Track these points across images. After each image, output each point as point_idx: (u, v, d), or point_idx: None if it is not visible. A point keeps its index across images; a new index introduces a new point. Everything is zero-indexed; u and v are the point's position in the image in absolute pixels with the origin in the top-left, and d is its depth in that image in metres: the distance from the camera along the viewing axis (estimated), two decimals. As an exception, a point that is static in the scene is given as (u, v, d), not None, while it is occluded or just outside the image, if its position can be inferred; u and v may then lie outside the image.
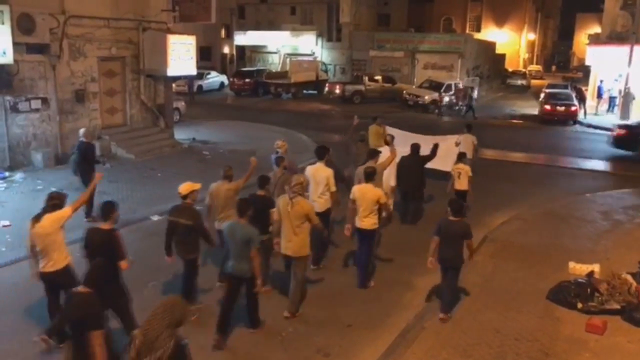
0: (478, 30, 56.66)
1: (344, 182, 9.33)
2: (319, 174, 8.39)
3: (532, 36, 64.61)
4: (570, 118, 25.97)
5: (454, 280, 7.24)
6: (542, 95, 30.24)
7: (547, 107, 26.41)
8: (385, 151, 9.66)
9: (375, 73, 36.04)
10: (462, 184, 10.43)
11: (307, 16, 44.72)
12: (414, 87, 33.51)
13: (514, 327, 6.91)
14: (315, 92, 35.34)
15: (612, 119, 26.23)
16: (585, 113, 27.38)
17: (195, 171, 14.11)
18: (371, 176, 7.97)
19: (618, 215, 11.82)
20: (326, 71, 39.80)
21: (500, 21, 58.00)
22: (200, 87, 34.40)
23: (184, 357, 4.01)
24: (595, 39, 30.20)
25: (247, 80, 35.00)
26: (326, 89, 34.06)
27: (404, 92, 31.19)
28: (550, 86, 33.58)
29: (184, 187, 6.99)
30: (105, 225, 6.07)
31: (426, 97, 29.42)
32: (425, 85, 31.94)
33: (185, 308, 4.06)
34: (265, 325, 6.87)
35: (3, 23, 12.00)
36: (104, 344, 4.44)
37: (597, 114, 27.73)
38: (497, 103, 34.54)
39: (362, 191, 7.88)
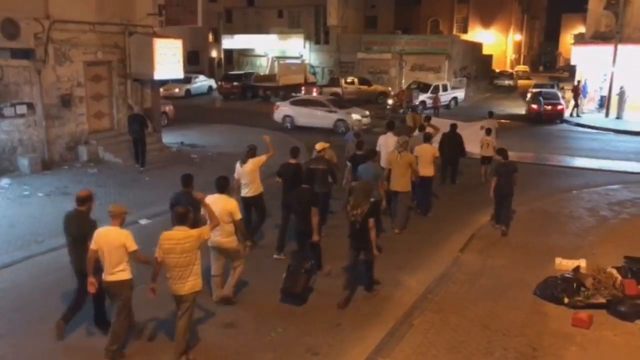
0: (465, 31, 57.11)
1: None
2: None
3: (518, 37, 65.21)
4: (557, 117, 26.22)
5: (510, 204, 10.38)
6: (529, 95, 30.50)
7: (534, 106, 26.64)
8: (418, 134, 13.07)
9: (351, 75, 36.27)
10: (488, 152, 13.79)
11: (294, 19, 44.77)
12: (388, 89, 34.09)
13: (502, 323, 6.97)
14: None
15: (600, 118, 26.58)
16: (578, 111, 27.60)
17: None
18: (428, 138, 11.86)
19: (604, 211, 11.95)
20: (314, 74, 39.88)
21: (486, 22, 58.48)
22: (188, 91, 34.32)
23: (377, 211, 7.65)
24: (579, 39, 30.51)
25: (235, 83, 34.99)
26: (302, 92, 33.38)
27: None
28: (537, 86, 33.88)
29: (320, 145, 10.09)
30: (293, 160, 9.21)
31: (389, 101, 29.91)
32: (413, 87, 32.09)
33: (372, 185, 7.88)
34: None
35: (-13, 28, 11.92)
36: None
37: (582, 113, 27.98)
38: (485, 103, 34.72)
39: (423, 149, 11.30)
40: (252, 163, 9.07)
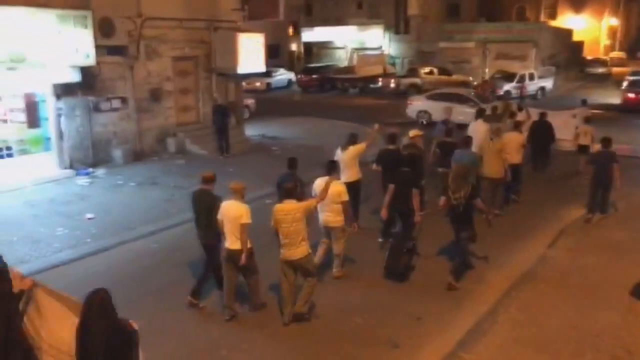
0: (553, 17, 54.13)
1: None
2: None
3: (614, 21, 61.01)
4: (656, 107, 24.34)
5: (608, 193, 10.30)
6: (624, 83, 28.52)
7: (631, 95, 24.88)
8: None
9: (430, 65, 35.11)
10: (586, 140, 13.73)
11: (374, 10, 44.37)
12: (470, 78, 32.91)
13: (594, 324, 6.60)
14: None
15: None
16: None
17: (265, 166, 14.39)
18: (518, 126, 11.99)
19: None
20: (393, 64, 39.36)
21: (577, 7, 55.13)
22: (269, 84, 34.99)
23: (477, 192, 7.92)
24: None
25: (314, 76, 35.26)
26: (379, 83, 32.80)
27: None
28: (634, 73, 31.60)
29: (413, 132, 10.29)
30: (392, 146, 9.64)
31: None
32: (497, 76, 30.93)
33: (469, 169, 8.28)
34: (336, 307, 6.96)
35: (86, 27, 12.70)
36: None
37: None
38: (575, 93, 32.84)
39: (511, 137, 11.14)
40: (353, 150, 9.47)
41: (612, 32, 62.09)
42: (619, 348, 6.09)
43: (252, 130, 19.31)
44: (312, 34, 45.11)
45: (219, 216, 6.70)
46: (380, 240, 9.17)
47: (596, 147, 11.18)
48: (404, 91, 30.98)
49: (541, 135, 13.69)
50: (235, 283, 6.91)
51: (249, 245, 6.63)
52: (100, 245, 9.31)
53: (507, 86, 28.67)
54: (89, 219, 10.53)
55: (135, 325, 4.08)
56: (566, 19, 53.55)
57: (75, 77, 13.05)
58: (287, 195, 6.68)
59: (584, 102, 16.48)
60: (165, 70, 15.96)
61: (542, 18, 53.18)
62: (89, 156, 14.22)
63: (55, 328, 4.41)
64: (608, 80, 40.88)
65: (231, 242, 6.61)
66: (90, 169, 13.80)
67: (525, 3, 55.43)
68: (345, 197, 7.61)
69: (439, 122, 13.45)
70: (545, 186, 13.00)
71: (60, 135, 13.59)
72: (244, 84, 21.96)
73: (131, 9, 14.58)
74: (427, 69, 33.37)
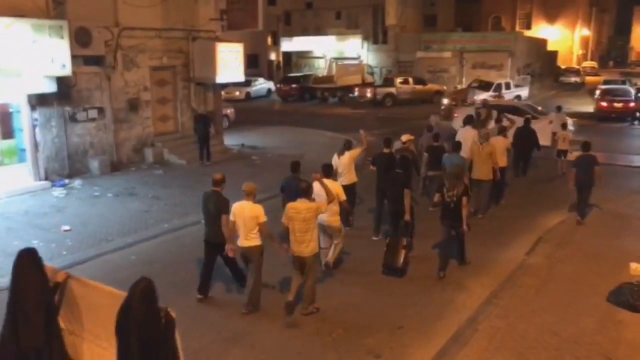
0: (528, 27, 55.19)
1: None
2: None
3: (586, 32, 62.37)
4: (628, 115, 24.89)
5: (589, 196, 10.71)
6: (597, 92, 29.13)
7: (603, 103, 25.43)
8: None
9: (408, 75, 35.45)
10: (564, 145, 14.47)
11: (352, 20, 44.73)
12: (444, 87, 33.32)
13: (573, 330, 6.66)
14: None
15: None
16: None
17: (245, 176, 14.31)
18: (503, 131, 12.59)
19: (683, 214, 11.25)
20: (372, 74, 39.69)
21: (551, 18, 56.29)
22: (248, 94, 34.93)
23: (468, 192, 8.41)
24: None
25: (293, 85, 35.32)
26: (355, 93, 32.84)
27: None
28: (606, 82, 32.32)
29: (406, 137, 11.21)
30: (386, 150, 10.14)
31: (444, 101, 28.54)
32: (473, 85, 31.35)
33: (463, 169, 9.21)
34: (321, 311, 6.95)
35: (62, 37, 12.52)
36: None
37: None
38: (550, 101, 33.42)
39: (497, 141, 11.65)
40: (348, 155, 10.09)
41: (585, 42, 63.47)
42: (597, 354, 6.16)
43: (231, 140, 19.23)
44: (291, 44, 45.27)
45: (231, 217, 7.05)
46: (374, 238, 9.81)
47: (575, 154, 11.77)
48: (381, 100, 31.21)
49: (525, 141, 14.08)
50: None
51: (260, 243, 7.05)
52: (76, 258, 9.14)
53: (484, 95, 29.04)
54: (65, 231, 10.33)
55: (173, 314, 4.26)
56: (541, 29, 54.61)
57: (51, 87, 12.85)
58: (302, 194, 7.07)
59: (558, 109, 17.11)
60: (143, 80, 15.82)
61: (518, 28, 54.18)
62: (65, 167, 14.00)
63: (92, 316, 4.83)
64: (581, 89, 41.74)
65: (245, 240, 7.02)
66: (67, 180, 13.58)
67: (500, 13, 56.43)
68: (343, 197, 8.07)
69: (424, 130, 13.81)
70: (524, 192, 13.21)
71: (36, 146, 13.36)
72: (223, 93, 21.88)
73: (108, 18, 14.45)
74: (401, 79, 33.65)
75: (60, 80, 13.05)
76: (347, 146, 10.23)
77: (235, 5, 17.98)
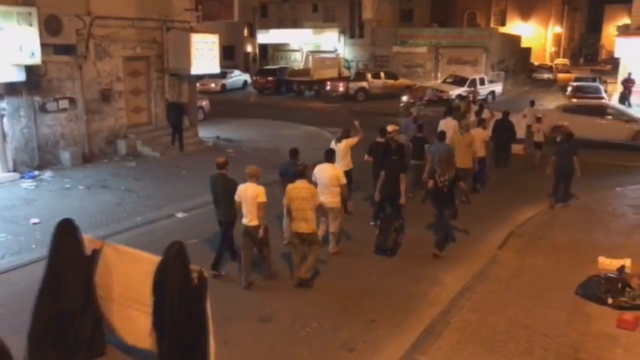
0: (503, 24, 55.92)
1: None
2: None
3: (558, 29, 63.45)
4: (598, 111, 25.33)
5: (569, 184, 11.32)
6: (569, 88, 29.67)
7: (575, 100, 25.87)
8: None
9: (381, 69, 35.50)
10: (539, 137, 15.21)
11: (329, 13, 44.67)
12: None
13: (543, 323, 6.79)
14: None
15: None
16: (630, 106, 26.54)
17: (219, 168, 14.22)
18: (482, 123, 13.17)
19: (650, 209, 11.54)
20: (349, 68, 39.71)
21: (525, 15, 57.13)
22: (224, 85, 34.61)
23: (460, 176, 9.24)
24: (624, 30, 29.44)
25: (269, 78, 35.08)
26: (327, 87, 32.46)
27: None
28: (577, 79, 32.92)
29: (392, 127, 11.72)
30: (380, 139, 10.76)
31: (403, 98, 28.49)
32: (448, 81, 31.61)
33: (452, 155, 10.13)
34: (294, 315, 6.92)
35: (31, 25, 12.21)
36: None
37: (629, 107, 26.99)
38: (523, 97, 33.92)
39: (476, 132, 12.38)
40: (346, 142, 10.66)
41: (557, 40, 64.59)
42: (566, 346, 6.28)
43: (206, 132, 19.03)
44: (268, 36, 44.99)
45: (237, 197, 7.56)
46: (372, 224, 10.16)
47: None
48: (353, 95, 31.15)
49: (503, 133, 14.56)
50: (252, 255, 7.77)
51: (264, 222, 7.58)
52: (46, 252, 8.92)
53: (459, 90, 29.32)
54: (34, 224, 10.12)
55: (206, 274, 4.63)
56: (515, 26, 55.39)
57: (19, 76, 12.53)
58: (300, 176, 7.75)
59: (532, 103, 17.84)
60: (116, 70, 15.53)
61: (492, 24, 54.84)
62: (35, 158, 13.68)
63: (126, 280, 5.29)
64: (554, 85, 42.46)
65: (249, 219, 7.50)
66: (36, 172, 13.27)
67: (476, 9, 57.00)
68: (344, 180, 8.64)
69: (409, 121, 14.37)
70: (498, 185, 13.34)
71: (4, 137, 13.03)
72: (198, 85, 21.63)
73: (80, 6, 14.12)
74: (373, 73, 33.64)
75: (29, 69, 12.74)
76: (345, 134, 10.83)
77: (211, -4, 17.80)
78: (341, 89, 31.59)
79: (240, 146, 17.73)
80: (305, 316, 7.04)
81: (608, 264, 8.25)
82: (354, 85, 31.74)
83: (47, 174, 13.30)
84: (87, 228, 9.94)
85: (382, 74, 33.50)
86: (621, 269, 7.77)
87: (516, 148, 15.76)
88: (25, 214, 10.57)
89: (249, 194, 7.42)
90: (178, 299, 4.54)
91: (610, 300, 7.14)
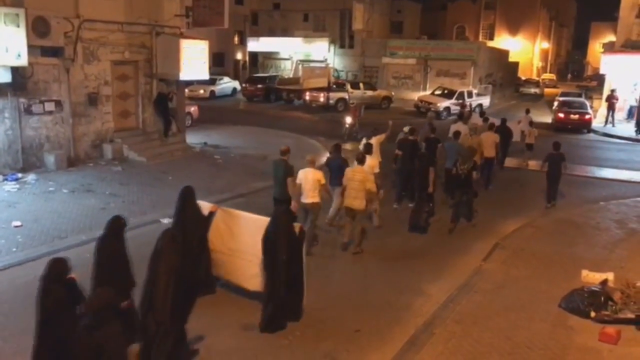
0: (491, 38, 56.60)
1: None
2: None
3: (545, 45, 64.39)
4: (584, 126, 25.71)
5: (557, 186, 12.89)
6: (555, 103, 30.01)
7: (561, 115, 26.20)
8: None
9: (357, 80, 35.89)
10: (531, 139, 17.37)
11: (319, 23, 44.83)
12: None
13: (526, 335, 6.80)
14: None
15: (629, 128, 25.93)
16: (613, 121, 26.91)
17: (206, 175, 14.13)
18: (492, 127, 14.78)
19: (632, 223, 11.65)
20: (338, 78, 39.83)
21: (513, 30, 57.88)
22: (212, 92, 34.53)
23: (475, 167, 11.40)
24: (609, 48, 29.91)
25: (259, 86, 35.04)
26: (307, 97, 31.97)
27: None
28: (563, 94, 33.34)
29: (407, 128, 12.88)
30: (411, 137, 12.48)
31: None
32: (437, 93, 31.83)
33: (475, 150, 11.81)
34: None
35: (18, 26, 12.10)
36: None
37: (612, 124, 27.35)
38: (510, 111, 34.23)
39: (487, 135, 13.99)
40: (375, 139, 11.94)
41: (544, 55, 65.52)
42: (548, 359, 6.30)
43: (194, 138, 18.94)
44: (258, 44, 45.01)
45: (298, 180, 8.98)
46: (395, 206, 12.00)
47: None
48: (333, 105, 31.03)
49: (502, 137, 15.42)
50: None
51: (319, 200, 9.10)
52: (27, 255, 8.82)
53: (447, 102, 29.54)
54: (16, 227, 9.96)
55: (304, 228, 6.53)
56: (503, 40, 56.05)
57: (5, 77, 12.41)
58: (358, 162, 9.42)
59: (527, 112, 19.45)
60: (104, 74, 15.42)
61: (481, 38, 55.50)
62: (19, 161, 13.52)
63: (237, 236, 7.20)
64: (540, 100, 42.93)
65: (308, 197, 9.00)
66: (19, 175, 13.10)
67: (465, 23, 57.68)
68: (324, 181, 9.35)
69: (425, 124, 15.17)
70: (484, 197, 13.23)
71: (-13, 138, 12.87)
72: (186, 90, 21.55)
73: (68, 9, 14.03)
74: (352, 84, 33.99)
75: (15, 71, 12.63)
76: (374, 132, 12.43)
77: (201, 2, 17.75)
78: (322, 99, 31.49)
79: (228, 153, 17.66)
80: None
81: (591, 277, 8.30)
82: (334, 96, 31.69)
83: (31, 177, 13.13)
84: (70, 232, 9.85)
85: (361, 85, 33.91)
86: (604, 282, 7.83)
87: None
88: (7, 217, 10.40)
89: (309, 177, 8.94)
90: (288, 249, 6.31)
91: (593, 314, 7.18)
